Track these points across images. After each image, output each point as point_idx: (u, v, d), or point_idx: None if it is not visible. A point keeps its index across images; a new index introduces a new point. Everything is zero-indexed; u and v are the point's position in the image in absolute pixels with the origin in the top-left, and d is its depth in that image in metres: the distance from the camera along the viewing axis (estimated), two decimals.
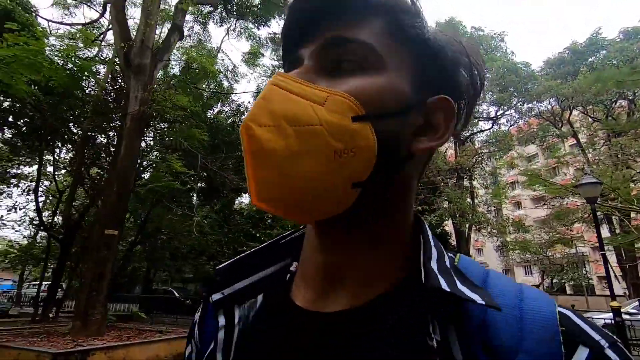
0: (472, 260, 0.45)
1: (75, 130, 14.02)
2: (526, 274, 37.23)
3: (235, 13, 12.69)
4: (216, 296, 0.47)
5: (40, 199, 21.68)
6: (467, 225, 19.23)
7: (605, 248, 8.73)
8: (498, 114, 21.38)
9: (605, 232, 18.66)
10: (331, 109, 0.37)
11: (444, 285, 0.36)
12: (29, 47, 6.56)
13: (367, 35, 0.41)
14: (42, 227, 17.10)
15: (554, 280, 26.09)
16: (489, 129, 21.54)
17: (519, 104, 20.88)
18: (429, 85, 0.44)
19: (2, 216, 22.20)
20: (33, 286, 28.20)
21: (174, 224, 16.57)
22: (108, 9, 9.18)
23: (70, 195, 14.31)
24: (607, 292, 8.74)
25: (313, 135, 0.36)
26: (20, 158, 17.79)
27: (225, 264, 0.50)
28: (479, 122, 22.68)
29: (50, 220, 18.33)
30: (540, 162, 35.31)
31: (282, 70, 0.46)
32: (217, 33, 32.19)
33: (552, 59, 21.32)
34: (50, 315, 12.76)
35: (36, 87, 9.33)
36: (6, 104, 14.66)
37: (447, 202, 18.06)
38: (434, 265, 0.38)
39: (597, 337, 0.35)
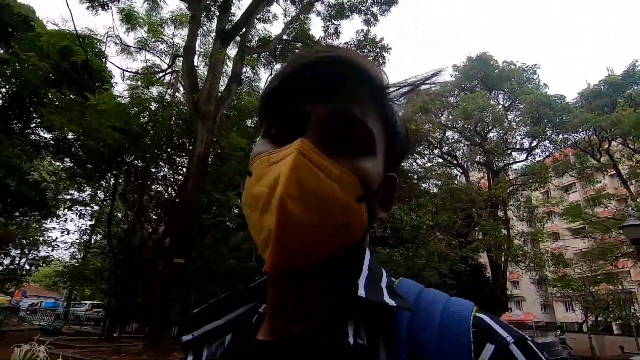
0: (413, 282, 0.49)
1: (136, 163, 15.46)
2: (567, 310, 35.09)
3: (279, 58, 13.99)
4: (186, 337, 0.52)
5: (89, 222, 23.51)
6: (503, 258, 18.90)
7: None
8: (532, 145, 21.33)
9: None
10: (343, 188, 0.41)
11: (360, 292, 0.40)
12: (117, 103, 7.76)
13: (370, 120, 0.45)
14: (110, 252, 18.45)
15: (599, 319, 24.64)
16: (523, 160, 21.46)
17: (553, 135, 20.80)
18: (389, 163, 0.51)
19: (56, 238, 24.11)
20: (76, 305, 29.74)
21: (211, 248, 17.40)
22: (177, 61, 10.59)
23: (132, 223, 15.61)
24: None
25: (330, 212, 0.40)
26: (76, 185, 19.55)
27: (201, 307, 0.54)
28: (512, 152, 22.68)
29: (105, 243, 19.74)
30: (578, 192, 34.20)
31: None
32: (262, 73, 34.08)
33: (587, 90, 21.28)
34: (115, 334, 13.69)
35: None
36: (70, 135, 16.48)
37: (481, 234, 17.96)
38: (360, 281, 0.42)
39: (504, 334, 0.38)
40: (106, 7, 10.93)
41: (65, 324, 19.30)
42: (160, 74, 14.53)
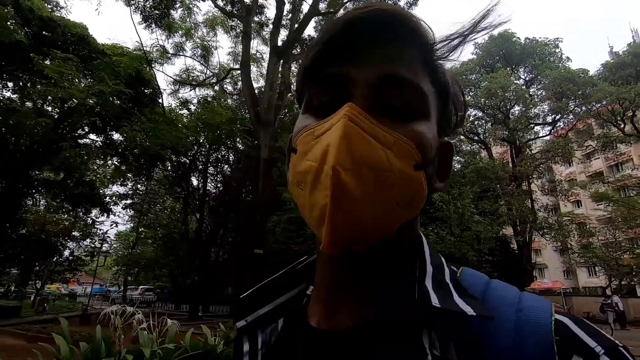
0: (476, 273, 0.46)
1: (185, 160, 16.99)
2: (590, 275, 36.01)
3: None
4: (240, 323, 0.51)
5: (132, 214, 25.49)
6: (528, 231, 19.89)
7: None
8: (555, 119, 21.77)
9: None
10: (399, 155, 0.38)
11: (434, 301, 0.37)
12: (194, 120, 8.99)
13: (421, 81, 0.42)
14: (163, 241, 20.41)
15: (622, 282, 25.56)
16: (547, 135, 21.96)
17: (576, 109, 21.16)
18: (442, 129, 0.47)
19: (107, 231, 26.18)
20: (126, 290, 32.36)
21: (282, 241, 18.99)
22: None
23: (201, 216, 17.42)
24: None
25: (387, 183, 0.37)
26: (122, 179, 21.23)
27: (248, 292, 0.52)
28: (535, 127, 23.15)
29: (158, 234, 21.66)
30: (601, 159, 34.25)
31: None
32: None
33: (612, 62, 21.34)
34: (199, 314, 15.86)
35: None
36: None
37: (507, 209, 18.90)
38: (428, 282, 0.40)
39: (592, 344, 0.33)
40: (159, 24, 11.98)
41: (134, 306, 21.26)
42: (214, 81, 15.72)
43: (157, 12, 11.81)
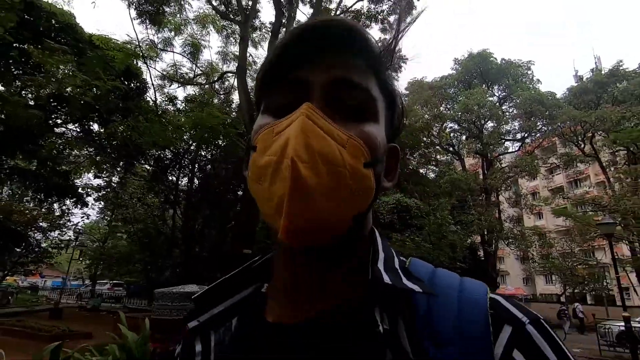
0: (424, 262, 0.49)
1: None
2: (547, 283, 38.50)
3: None
4: (192, 323, 0.50)
5: (102, 206, 24.80)
6: (494, 239, 21.20)
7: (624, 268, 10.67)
8: (524, 135, 23.33)
9: (627, 249, 20.38)
10: (351, 153, 0.41)
11: (386, 279, 0.40)
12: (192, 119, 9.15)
13: (370, 86, 0.46)
14: (137, 236, 19.99)
15: (575, 290, 27.63)
16: (516, 150, 23.47)
17: (543, 127, 22.77)
18: (389, 134, 0.51)
19: (77, 223, 25.31)
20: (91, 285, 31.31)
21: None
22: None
23: (184, 212, 17.26)
24: (629, 303, 10.73)
25: (339, 176, 0.39)
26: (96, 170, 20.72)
27: (201, 291, 0.52)
28: (505, 142, 24.66)
29: (132, 228, 21.20)
30: (562, 174, 36.77)
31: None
32: None
33: (576, 87, 23.15)
34: None
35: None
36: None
37: (477, 218, 20.09)
38: (380, 265, 0.43)
39: (519, 315, 0.39)
40: (154, 21, 11.97)
41: (103, 303, 20.86)
42: (203, 81, 15.73)
43: (151, 7, 11.78)
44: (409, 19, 0.51)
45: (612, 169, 22.93)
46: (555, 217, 27.85)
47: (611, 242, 9.46)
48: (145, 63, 11.24)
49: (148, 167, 20.02)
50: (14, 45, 11.33)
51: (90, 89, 9.62)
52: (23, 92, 13.95)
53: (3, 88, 14.30)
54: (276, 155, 0.39)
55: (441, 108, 25.44)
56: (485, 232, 19.63)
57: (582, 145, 23.25)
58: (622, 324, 11.52)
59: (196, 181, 19.62)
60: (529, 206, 21.66)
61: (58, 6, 14.07)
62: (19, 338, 9.22)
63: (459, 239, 13.97)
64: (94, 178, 21.91)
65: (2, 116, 15.34)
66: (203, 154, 19.85)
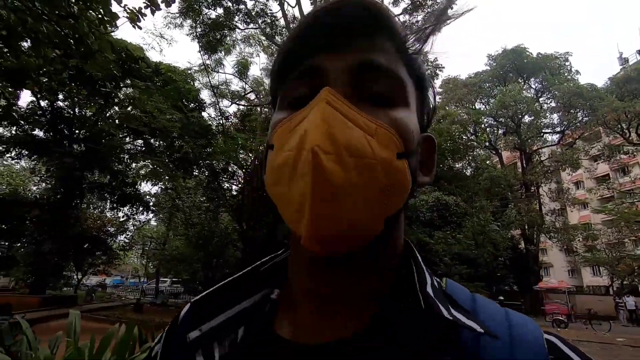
0: (458, 285, 0.44)
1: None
2: (594, 275, 37.37)
3: None
4: (193, 334, 0.43)
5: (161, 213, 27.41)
6: (536, 233, 21.40)
7: None
8: (564, 129, 23.20)
9: None
10: (381, 143, 0.35)
11: (444, 312, 0.35)
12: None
13: (398, 69, 0.40)
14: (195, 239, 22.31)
15: (624, 282, 27.00)
16: (556, 143, 23.38)
17: (584, 119, 22.54)
18: (422, 122, 0.45)
19: (142, 226, 28.08)
20: (151, 283, 34.38)
21: None
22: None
23: (238, 216, 19.09)
24: None
25: (369, 169, 0.33)
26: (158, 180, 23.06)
27: (200, 295, 0.47)
28: (544, 135, 24.54)
29: (190, 231, 23.55)
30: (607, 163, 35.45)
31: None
32: None
33: (618, 77, 22.61)
34: None
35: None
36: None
37: (516, 212, 20.42)
38: (429, 290, 0.37)
39: None
40: (214, 51, 13.63)
41: (169, 298, 23.29)
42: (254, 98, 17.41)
43: (212, 40, 13.41)
44: (450, 12, 0.44)
45: None
46: (602, 205, 27.24)
47: None
48: (216, 95, 12.85)
49: (202, 177, 22.08)
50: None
51: (176, 120, 11.39)
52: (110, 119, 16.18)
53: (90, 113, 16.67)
54: (295, 148, 0.34)
55: (477, 105, 25.71)
56: (526, 227, 19.96)
57: (628, 135, 22.74)
58: None
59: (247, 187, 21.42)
60: (571, 200, 21.57)
61: (127, 40, 16.18)
62: None
63: (501, 237, 14.66)
64: (152, 186, 24.50)
65: (83, 136, 17.79)
66: (250, 161, 21.65)
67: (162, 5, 5.15)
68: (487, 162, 23.48)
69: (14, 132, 17.88)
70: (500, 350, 0.34)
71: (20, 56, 5.29)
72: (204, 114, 18.34)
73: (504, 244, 14.91)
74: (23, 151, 17.65)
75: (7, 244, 18.74)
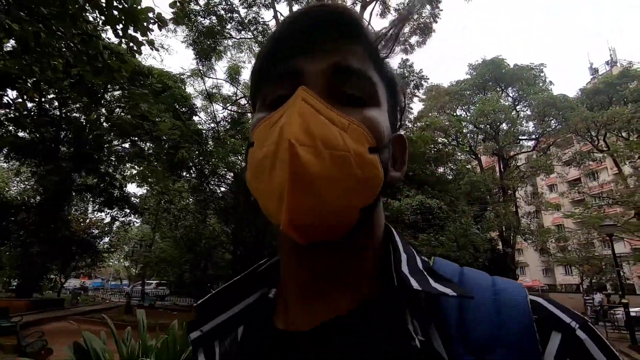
0: (447, 262, 0.46)
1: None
2: (566, 274, 39.43)
3: None
4: (194, 334, 0.46)
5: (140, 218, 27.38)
6: (512, 235, 22.63)
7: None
8: (539, 136, 24.61)
9: None
10: (353, 138, 0.37)
11: (414, 284, 0.36)
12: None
13: (369, 70, 0.43)
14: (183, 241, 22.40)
15: (592, 280, 28.73)
16: (532, 150, 24.78)
17: (557, 126, 24.01)
18: (393, 122, 0.48)
19: (125, 229, 27.82)
20: (135, 285, 34.10)
21: None
22: None
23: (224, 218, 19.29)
24: None
25: (344, 161, 0.36)
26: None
27: (203, 299, 0.49)
28: (521, 141, 25.93)
29: (178, 234, 23.61)
30: (574, 170, 37.53)
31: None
32: None
33: (588, 88, 24.21)
34: None
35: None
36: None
37: (494, 215, 21.55)
38: (404, 268, 0.39)
39: (567, 319, 0.36)
40: (208, 58, 14.02)
41: (160, 300, 23.29)
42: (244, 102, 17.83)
43: (207, 48, 13.80)
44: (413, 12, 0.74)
45: (627, 163, 23.96)
46: (574, 208, 28.97)
47: (612, 241, 11.03)
48: (211, 102, 13.23)
49: (191, 179, 22.24)
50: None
51: (175, 127, 11.76)
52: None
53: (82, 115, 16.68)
54: (274, 142, 0.36)
55: (458, 111, 26.87)
56: (504, 229, 21.12)
57: (597, 142, 24.33)
58: (636, 309, 13.17)
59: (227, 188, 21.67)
60: (544, 204, 22.95)
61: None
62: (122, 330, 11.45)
63: (481, 240, 15.60)
64: (138, 188, 24.47)
65: (71, 138, 17.73)
66: (239, 162, 21.99)
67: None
68: (468, 166, 24.58)
69: None
70: (484, 312, 0.36)
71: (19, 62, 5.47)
72: (195, 118, 18.67)
73: (484, 246, 15.87)
74: (11, 153, 17.44)
75: None
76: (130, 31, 5.03)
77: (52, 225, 17.11)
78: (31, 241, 16.49)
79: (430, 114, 26.41)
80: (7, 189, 24.33)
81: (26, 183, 25.98)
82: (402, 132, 0.51)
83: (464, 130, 26.32)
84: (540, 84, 24.73)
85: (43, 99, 16.51)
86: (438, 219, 18.44)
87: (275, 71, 0.42)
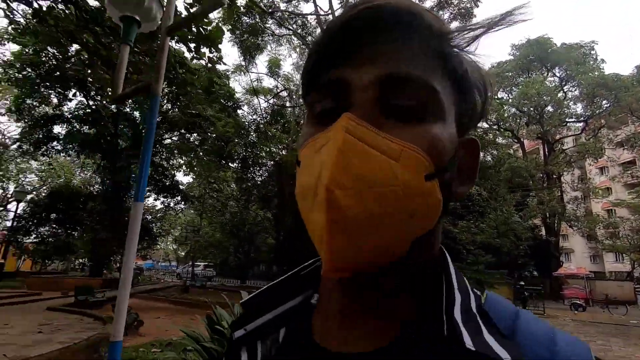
0: (500, 299, 0.41)
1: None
2: (617, 260, 37.46)
3: None
4: (238, 333, 0.47)
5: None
6: (557, 221, 22.01)
7: None
8: (588, 118, 23.41)
9: None
10: (406, 166, 0.33)
11: (467, 342, 0.33)
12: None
13: (429, 75, 0.36)
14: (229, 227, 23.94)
15: None
16: (580, 132, 23.64)
17: (608, 107, 22.69)
18: (463, 124, 0.41)
19: (177, 213, 29.92)
20: (187, 267, 36.64)
21: None
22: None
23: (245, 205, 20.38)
24: None
25: (392, 198, 0.32)
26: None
27: (248, 297, 0.49)
28: (568, 123, 24.76)
29: (225, 219, 25.22)
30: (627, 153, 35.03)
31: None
32: None
33: None
34: None
35: None
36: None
37: (537, 202, 21.02)
38: (457, 314, 0.35)
39: None
40: (253, 55, 14.74)
41: (208, 281, 25.18)
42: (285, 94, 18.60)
43: (251, 46, 14.53)
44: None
45: None
46: (627, 192, 27.33)
47: None
48: (257, 95, 14.03)
49: (235, 168, 23.53)
50: None
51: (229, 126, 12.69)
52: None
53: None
54: (315, 177, 0.34)
55: (499, 94, 26.01)
56: (547, 215, 20.63)
57: None
58: None
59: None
60: (592, 190, 22.00)
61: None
62: (185, 307, 12.83)
63: (522, 227, 15.53)
64: (184, 176, 26.22)
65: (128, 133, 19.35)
66: (280, 152, 22.93)
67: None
68: (509, 151, 23.96)
69: (64, 130, 19.63)
70: None
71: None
72: (239, 112, 19.64)
73: (525, 234, 15.80)
74: (75, 147, 19.37)
75: (65, 232, 20.76)
76: (204, 49, 5.74)
77: (114, 213, 18.95)
78: (99, 227, 18.41)
79: None
80: (73, 180, 26.89)
81: (88, 174, 28.68)
82: (473, 136, 0.43)
83: (506, 115, 25.54)
84: (591, 63, 23.32)
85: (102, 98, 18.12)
86: (478, 206, 18.43)
87: (322, 80, 0.39)
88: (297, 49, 18.99)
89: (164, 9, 2.40)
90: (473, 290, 0.40)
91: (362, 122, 0.33)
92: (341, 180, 0.31)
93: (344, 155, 0.32)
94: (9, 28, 13.18)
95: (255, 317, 0.46)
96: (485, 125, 26.68)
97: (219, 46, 5.64)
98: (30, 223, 20.23)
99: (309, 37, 16.53)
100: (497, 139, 25.80)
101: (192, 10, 4.84)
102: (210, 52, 5.57)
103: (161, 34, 2.37)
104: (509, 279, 15.41)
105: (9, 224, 25.78)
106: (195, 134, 21.05)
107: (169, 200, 23.43)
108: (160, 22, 2.76)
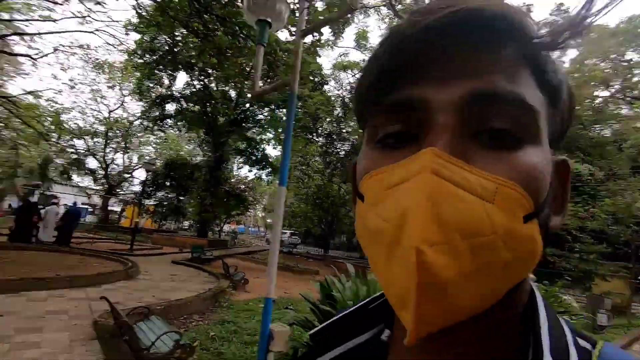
0: (620, 352, 0.33)
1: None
2: None
3: None
4: None
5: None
6: None
7: None
8: None
9: None
10: (502, 207, 0.27)
11: None
12: None
13: (525, 91, 0.30)
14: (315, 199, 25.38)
15: None
16: None
17: None
18: (552, 143, 0.34)
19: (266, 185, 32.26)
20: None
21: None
22: None
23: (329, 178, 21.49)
24: None
25: (487, 249, 0.27)
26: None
27: (318, 328, 0.46)
28: None
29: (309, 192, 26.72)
30: None
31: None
32: None
33: None
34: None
35: None
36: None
37: None
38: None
39: None
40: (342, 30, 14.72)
41: (294, 248, 27.22)
42: None
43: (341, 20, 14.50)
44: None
45: None
46: None
47: None
48: (344, 69, 14.14)
49: (320, 142, 24.35)
50: None
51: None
52: None
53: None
54: (393, 224, 0.28)
55: (628, 55, 21.85)
56: None
57: None
58: None
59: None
60: None
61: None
62: (278, 270, 14.13)
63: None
64: (273, 149, 27.98)
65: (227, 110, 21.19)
66: None
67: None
68: (636, 125, 20.27)
69: (173, 108, 22.35)
70: None
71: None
72: (325, 87, 20.01)
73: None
74: (185, 123, 22.01)
75: (177, 197, 24.21)
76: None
77: (216, 182, 21.33)
78: (204, 194, 20.96)
79: (586, 62, 22.25)
80: (181, 152, 30.68)
81: (192, 147, 32.42)
82: (564, 157, 0.36)
83: (634, 80, 21.47)
84: None
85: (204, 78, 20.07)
86: (589, 187, 16.25)
87: (391, 96, 0.32)
88: (386, 19, 18.32)
89: (297, 13, 2.66)
90: (577, 343, 0.32)
91: (451, 159, 0.28)
92: (431, 236, 0.26)
93: (432, 203, 0.26)
94: (135, 20, 15.28)
95: (325, 351, 0.43)
96: (606, 93, 22.90)
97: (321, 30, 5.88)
98: (150, 188, 24.00)
99: (399, 5, 15.81)
100: (620, 110, 22.02)
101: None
102: (313, 35, 5.86)
103: (296, 37, 2.64)
104: (626, 272, 13.55)
105: (133, 189, 31.15)
106: (285, 110, 22.21)
107: (260, 172, 25.45)
108: (286, 21, 3.05)
